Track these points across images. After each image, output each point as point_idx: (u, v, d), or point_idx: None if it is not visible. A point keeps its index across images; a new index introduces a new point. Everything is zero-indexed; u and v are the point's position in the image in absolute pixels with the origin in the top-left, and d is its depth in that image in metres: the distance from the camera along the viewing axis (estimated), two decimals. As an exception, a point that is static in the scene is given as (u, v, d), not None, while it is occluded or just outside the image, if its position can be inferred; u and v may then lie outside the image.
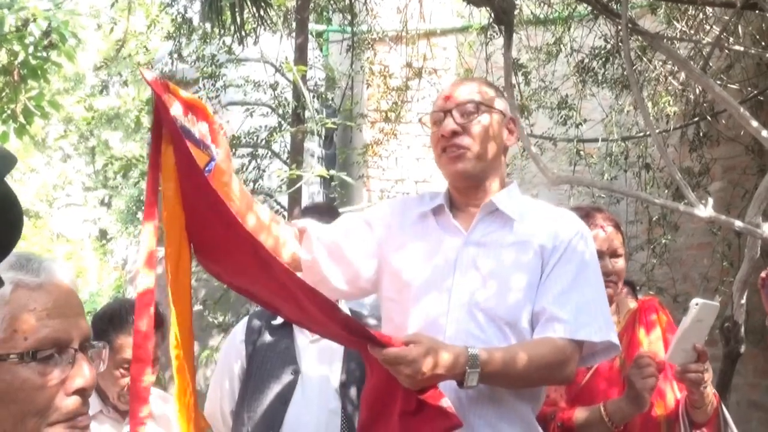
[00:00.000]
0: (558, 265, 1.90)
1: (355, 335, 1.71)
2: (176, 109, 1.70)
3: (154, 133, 1.73)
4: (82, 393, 1.15)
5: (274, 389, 2.51)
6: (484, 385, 1.80)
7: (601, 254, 2.31)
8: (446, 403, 1.69)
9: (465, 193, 2.01)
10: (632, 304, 2.48)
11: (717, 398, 2.27)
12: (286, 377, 2.52)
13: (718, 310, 2.17)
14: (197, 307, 6.10)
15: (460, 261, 1.91)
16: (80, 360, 1.16)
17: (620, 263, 2.39)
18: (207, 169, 1.83)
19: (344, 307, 2.67)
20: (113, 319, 2.29)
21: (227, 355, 2.70)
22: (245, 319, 2.72)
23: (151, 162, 1.73)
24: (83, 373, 1.15)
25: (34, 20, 4.57)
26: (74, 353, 1.15)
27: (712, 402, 2.23)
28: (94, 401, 2.22)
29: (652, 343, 2.35)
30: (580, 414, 2.18)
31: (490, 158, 1.97)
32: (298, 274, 1.99)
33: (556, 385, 1.98)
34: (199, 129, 1.81)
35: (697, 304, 2.09)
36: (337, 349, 2.51)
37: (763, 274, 2.36)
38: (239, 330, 2.70)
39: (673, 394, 2.31)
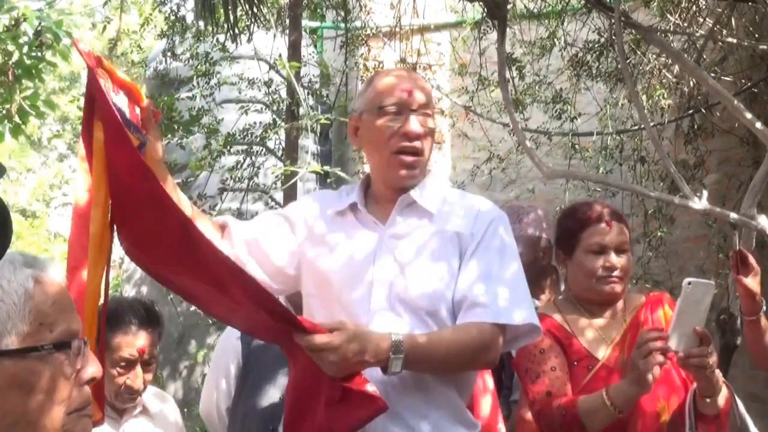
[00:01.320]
0: (476, 252, 1.91)
1: (281, 323, 1.69)
2: (108, 86, 1.66)
3: (86, 110, 1.68)
4: (92, 382, 1.19)
5: (272, 386, 2.51)
6: (410, 374, 1.82)
7: (605, 249, 2.31)
8: (371, 388, 1.70)
9: (394, 192, 2.01)
10: (641, 300, 2.43)
11: (729, 389, 2.21)
12: (284, 374, 2.51)
13: (713, 290, 2.11)
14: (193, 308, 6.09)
15: (378, 254, 1.93)
16: (88, 351, 1.20)
17: (626, 259, 2.34)
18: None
19: None
20: (110, 318, 2.29)
21: (223, 353, 2.69)
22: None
23: (84, 139, 1.67)
24: (94, 364, 1.19)
25: (25, 20, 4.56)
26: (83, 345, 1.18)
27: (723, 392, 2.16)
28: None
29: None
30: (583, 401, 2.13)
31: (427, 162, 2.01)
32: None
33: (481, 369, 2.00)
34: (130, 110, 1.77)
35: (689, 284, 2.05)
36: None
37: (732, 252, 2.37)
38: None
39: (679, 383, 2.25)
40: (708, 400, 2.14)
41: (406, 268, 1.90)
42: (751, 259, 2.56)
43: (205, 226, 1.97)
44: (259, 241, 2.03)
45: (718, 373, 2.13)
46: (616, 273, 2.30)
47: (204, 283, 1.75)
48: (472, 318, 1.85)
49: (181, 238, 1.65)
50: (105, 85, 1.65)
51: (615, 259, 2.31)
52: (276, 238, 2.04)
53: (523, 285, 1.94)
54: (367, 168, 6.57)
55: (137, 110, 1.81)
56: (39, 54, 4.91)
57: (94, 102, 1.67)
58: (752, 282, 2.53)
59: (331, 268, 1.95)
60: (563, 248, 2.41)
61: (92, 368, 1.19)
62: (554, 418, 2.14)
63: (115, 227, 1.75)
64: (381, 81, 2.01)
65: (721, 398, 2.16)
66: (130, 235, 1.76)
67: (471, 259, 1.91)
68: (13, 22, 4.56)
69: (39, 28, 4.55)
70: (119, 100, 1.72)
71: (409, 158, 1.95)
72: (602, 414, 2.08)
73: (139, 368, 2.27)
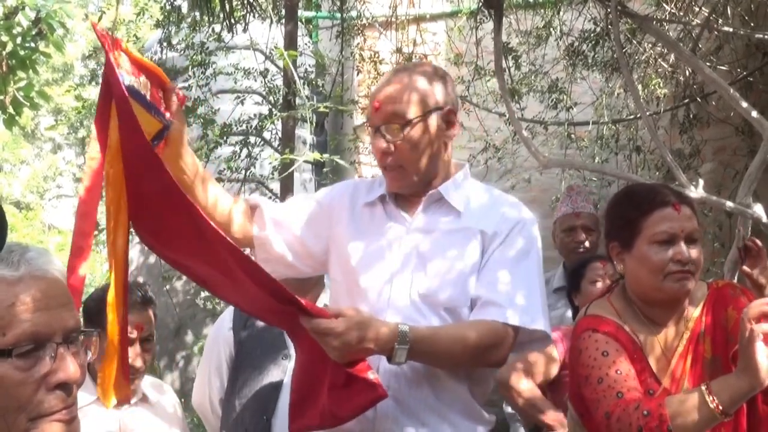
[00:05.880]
0: (498, 251, 1.90)
1: (286, 305, 1.71)
2: (125, 69, 1.65)
3: (103, 92, 1.67)
4: (65, 386, 1.13)
5: (266, 375, 2.51)
6: (423, 368, 1.83)
7: (674, 238, 1.93)
8: (372, 375, 1.72)
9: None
10: (703, 292, 2.05)
11: None
12: (278, 362, 2.52)
13: None
14: (189, 298, 6.10)
15: (402, 248, 1.93)
16: (63, 354, 1.13)
17: (697, 249, 1.97)
18: (159, 137, 1.78)
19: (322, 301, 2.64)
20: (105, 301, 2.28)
21: (215, 344, 2.68)
22: (232, 307, 2.71)
23: (98, 123, 1.66)
24: (66, 367, 1.13)
25: (23, 9, 4.53)
26: (56, 347, 1.13)
27: None
28: (91, 388, 2.22)
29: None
30: (674, 399, 1.73)
31: (429, 164, 1.94)
32: (247, 251, 1.99)
33: (490, 368, 1.95)
34: (152, 94, 1.76)
35: None
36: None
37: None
38: (227, 317, 2.69)
39: None
40: None
41: (428, 264, 1.90)
42: (763, 252, 2.41)
43: (234, 208, 2.00)
44: (290, 224, 2.04)
45: None
46: (687, 267, 1.92)
47: (212, 267, 1.76)
48: (485, 316, 1.84)
49: (189, 225, 1.65)
50: (121, 69, 1.63)
51: (686, 249, 1.93)
52: (306, 221, 2.06)
53: (539, 291, 1.92)
54: (362, 158, 6.59)
55: (160, 93, 1.80)
56: (33, 45, 4.88)
57: (110, 86, 1.65)
58: (759, 274, 2.39)
59: (355, 258, 1.96)
60: (619, 239, 2.01)
61: (62, 373, 1.12)
62: (632, 421, 1.72)
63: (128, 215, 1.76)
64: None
65: None
66: (144, 223, 1.77)
67: (490, 258, 1.90)
68: (11, 11, 4.52)
69: (39, 17, 4.52)
70: (139, 84, 1.70)
71: (388, 172, 1.96)
72: (701, 414, 1.67)
73: (137, 346, 2.27)
